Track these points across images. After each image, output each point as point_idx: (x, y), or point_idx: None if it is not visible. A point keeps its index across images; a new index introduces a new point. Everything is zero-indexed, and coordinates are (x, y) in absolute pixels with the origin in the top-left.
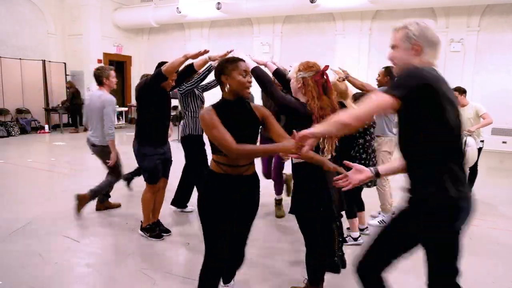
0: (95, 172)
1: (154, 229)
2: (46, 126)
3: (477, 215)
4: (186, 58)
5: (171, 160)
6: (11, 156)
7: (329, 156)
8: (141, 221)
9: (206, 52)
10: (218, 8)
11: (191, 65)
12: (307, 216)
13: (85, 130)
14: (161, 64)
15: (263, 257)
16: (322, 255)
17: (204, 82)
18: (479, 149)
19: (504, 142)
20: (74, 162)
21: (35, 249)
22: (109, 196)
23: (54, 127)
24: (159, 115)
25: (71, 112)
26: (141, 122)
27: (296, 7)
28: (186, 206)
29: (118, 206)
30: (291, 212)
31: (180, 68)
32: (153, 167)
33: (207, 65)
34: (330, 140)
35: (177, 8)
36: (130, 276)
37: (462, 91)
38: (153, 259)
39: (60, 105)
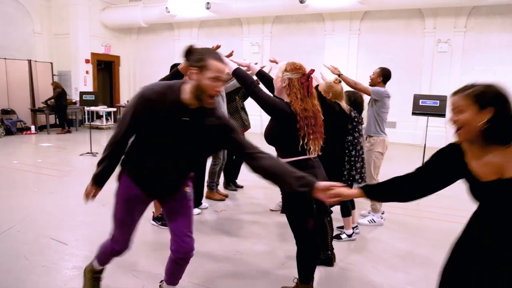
0: (82, 174)
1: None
2: (33, 127)
3: (460, 212)
4: None
5: None
6: None
7: (315, 155)
8: (153, 212)
9: (218, 47)
10: (208, 8)
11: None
12: (296, 214)
13: (69, 131)
14: (174, 65)
15: (253, 256)
16: (313, 253)
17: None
18: None
19: None
20: (61, 164)
21: (22, 252)
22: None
23: (41, 128)
24: None
25: (56, 112)
26: None
27: (285, 7)
28: (201, 204)
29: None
30: (283, 212)
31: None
32: None
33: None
34: (316, 141)
35: (166, 7)
36: (118, 278)
37: None
38: (142, 261)
39: (45, 103)
